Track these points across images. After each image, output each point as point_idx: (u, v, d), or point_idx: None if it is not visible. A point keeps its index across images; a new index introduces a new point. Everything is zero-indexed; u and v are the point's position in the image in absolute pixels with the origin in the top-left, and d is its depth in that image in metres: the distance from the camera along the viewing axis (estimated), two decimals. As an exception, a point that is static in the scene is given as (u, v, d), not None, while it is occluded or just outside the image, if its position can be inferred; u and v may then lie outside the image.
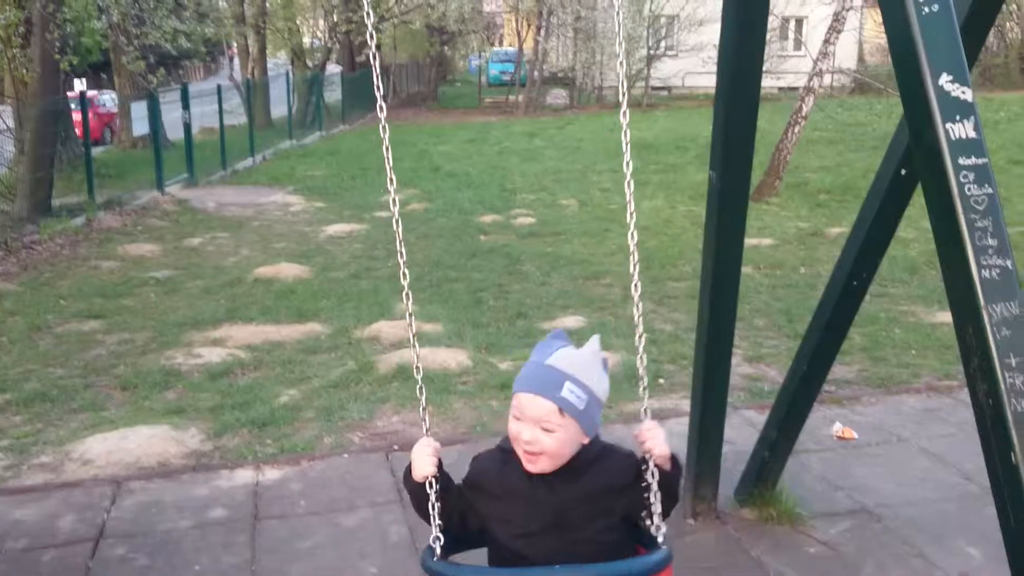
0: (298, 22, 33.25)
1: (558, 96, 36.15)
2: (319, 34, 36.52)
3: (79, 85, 25.33)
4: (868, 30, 34.50)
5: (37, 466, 4.89)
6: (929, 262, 8.97)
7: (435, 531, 2.09)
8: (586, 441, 2.05)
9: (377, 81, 2.30)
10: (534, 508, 2.04)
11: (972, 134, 2.17)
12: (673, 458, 2.10)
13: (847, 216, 10.41)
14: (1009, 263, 2.13)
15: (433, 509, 2.10)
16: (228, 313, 7.99)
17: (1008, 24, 34.34)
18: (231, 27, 26.52)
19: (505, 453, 2.12)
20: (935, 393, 5.70)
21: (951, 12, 2.21)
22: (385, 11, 30.18)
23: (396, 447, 4.99)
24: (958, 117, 2.17)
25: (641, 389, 2.23)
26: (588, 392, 2.04)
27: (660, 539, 2.05)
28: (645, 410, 2.19)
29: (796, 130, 14.03)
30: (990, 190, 2.15)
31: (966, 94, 2.18)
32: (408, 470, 2.15)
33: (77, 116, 14.71)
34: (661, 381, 6.07)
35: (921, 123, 2.23)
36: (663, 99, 34.74)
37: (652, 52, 33.94)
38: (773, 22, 29.46)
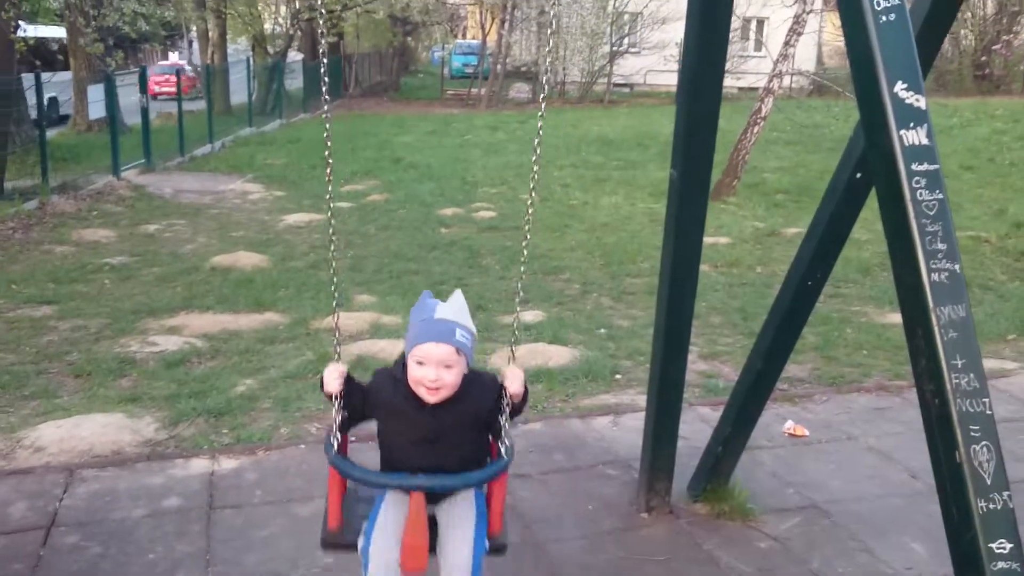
0: (260, 8, 32.89)
1: (521, 90, 36.14)
2: (281, 21, 36.14)
3: (173, 56, 26.88)
4: (828, 33, 34.99)
5: (-13, 453, 4.82)
6: (882, 264, 9.15)
7: (336, 432, 2.69)
8: (466, 371, 2.61)
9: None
10: (415, 427, 2.63)
11: (925, 141, 2.23)
12: (525, 393, 2.67)
13: (803, 216, 10.57)
14: (957, 267, 2.20)
15: (337, 415, 2.70)
16: (185, 301, 7.92)
17: (962, 31, 34.95)
18: (191, 11, 26.16)
19: (396, 380, 2.66)
20: (885, 392, 5.83)
21: (907, 22, 2.27)
22: (348, 0, 29.97)
23: (353, 438, 4.97)
24: (912, 124, 2.23)
25: (514, 331, 2.87)
26: (470, 332, 2.61)
27: (503, 450, 2.65)
28: (511, 357, 2.75)
29: (755, 130, 14.19)
30: (941, 195, 2.22)
31: (920, 102, 2.25)
32: (321, 382, 2.71)
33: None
34: (618, 377, 6.13)
35: (876, 129, 2.29)
36: (625, 96, 34.91)
37: (615, 48, 34.09)
38: (735, 23, 29.77)
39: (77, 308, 7.74)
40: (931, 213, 2.20)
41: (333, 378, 2.67)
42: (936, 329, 2.17)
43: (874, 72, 2.26)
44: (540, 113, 2.84)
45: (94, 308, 7.74)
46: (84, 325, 7.24)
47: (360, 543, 2.70)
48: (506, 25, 33.50)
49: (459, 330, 2.56)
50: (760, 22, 33.88)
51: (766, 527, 4.11)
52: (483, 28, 38.70)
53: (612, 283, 8.81)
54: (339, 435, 2.69)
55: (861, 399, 5.75)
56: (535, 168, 2.84)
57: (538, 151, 2.78)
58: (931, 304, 2.17)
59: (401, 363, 2.66)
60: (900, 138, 2.23)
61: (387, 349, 6.38)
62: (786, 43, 14.10)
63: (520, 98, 34.98)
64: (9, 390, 5.79)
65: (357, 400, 2.72)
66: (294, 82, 29.89)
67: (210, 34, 30.07)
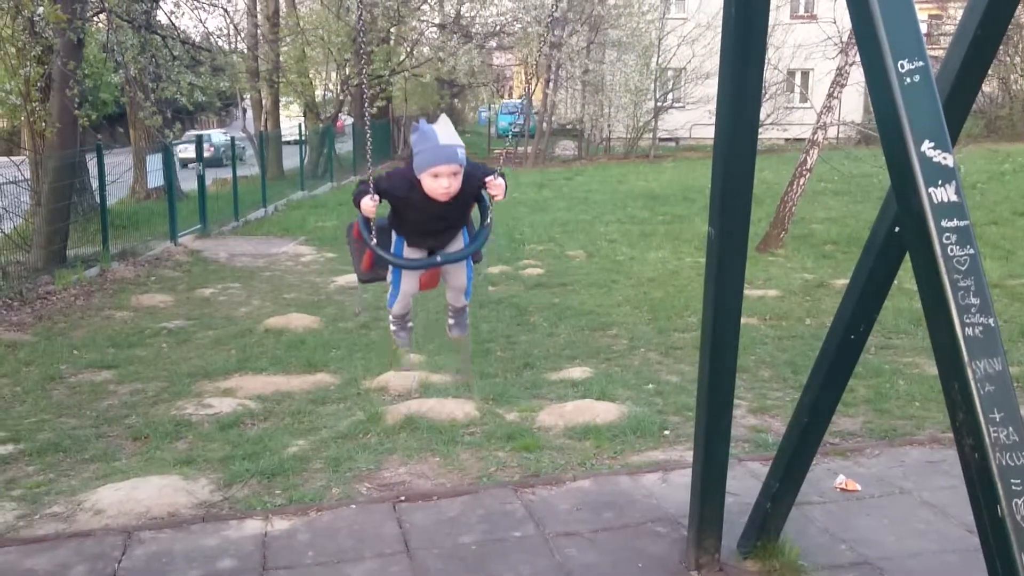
0: (311, 75, 33.79)
1: (566, 147, 36.50)
2: (331, 87, 37.07)
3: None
4: (873, 82, 34.77)
5: (49, 516, 4.96)
6: (934, 313, 9.01)
7: (373, 233, 3.51)
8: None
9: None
10: (427, 214, 3.50)
11: (954, 197, 2.27)
12: (504, 191, 3.49)
13: (852, 267, 10.46)
14: (991, 321, 2.21)
15: (372, 227, 3.51)
16: (239, 363, 8.09)
17: (1013, 76, 34.63)
18: (245, 81, 26.97)
19: (411, 183, 3.42)
20: (938, 445, 5.73)
21: (932, 82, 2.32)
22: (396, 65, 30.68)
23: (403, 498, 5.04)
24: (940, 182, 2.27)
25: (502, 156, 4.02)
26: (463, 148, 3.39)
27: (488, 220, 3.62)
28: (500, 172, 3.50)
29: (801, 182, 14.17)
30: (972, 251, 2.24)
31: (947, 159, 2.29)
32: (358, 198, 3.44)
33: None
34: (666, 433, 6.11)
35: (906, 187, 2.33)
36: (670, 150, 35.08)
37: (659, 104, 34.35)
38: (779, 75, 29.91)
39: (136, 372, 7.95)
40: (963, 268, 2.23)
41: (370, 208, 3.42)
42: (972, 383, 2.18)
43: (901, 132, 2.31)
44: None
45: (152, 372, 7.94)
46: (142, 389, 7.44)
47: (389, 276, 3.79)
48: (551, 84, 33.95)
49: (459, 150, 3.36)
50: (805, 74, 33.97)
51: (818, 584, 4.06)
52: (528, 88, 39.24)
53: (660, 338, 8.82)
54: (373, 233, 3.51)
55: (914, 452, 5.66)
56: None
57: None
58: (966, 359, 2.19)
59: (410, 169, 3.41)
60: (929, 196, 2.27)
61: (435, 408, 6.46)
62: (830, 95, 14.13)
63: (566, 155, 35.31)
64: (71, 454, 5.95)
65: (380, 195, 3.46)
66: (344, 146, 30.54)
67: (263, 102, 30.95)
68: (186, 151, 25.96)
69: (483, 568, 4.26)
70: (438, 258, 3.65)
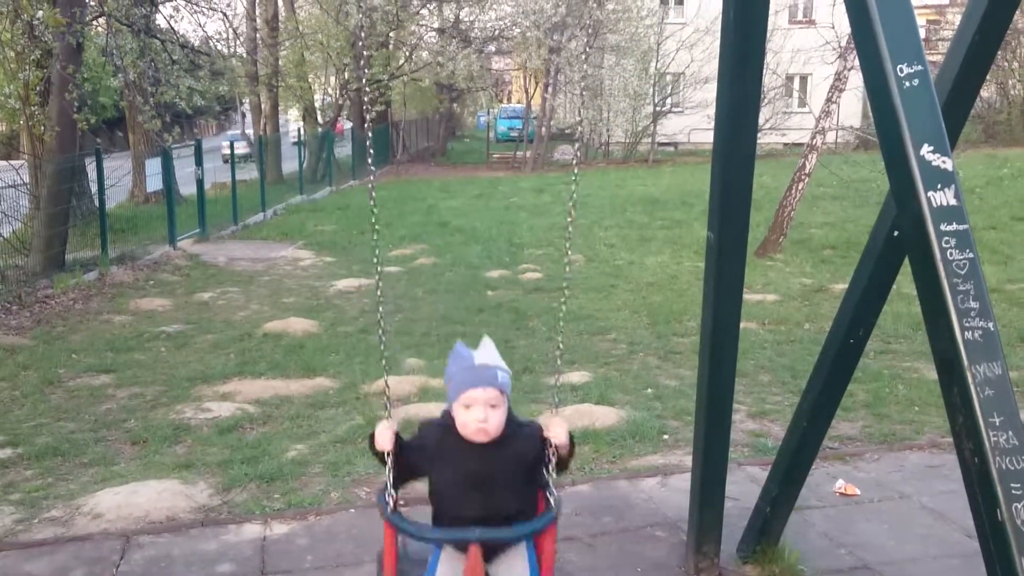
0: (310, 80, 33.81)
1: (565, 152, 36.53)
2: (330, 91, 37.09)
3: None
4: (872, 87, 34.79)
5: (48, 520, 4.95)
6: (933, 318, 9.01)
7: (390, 489, 2.72)
8: (509, 414, 2.74)
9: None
10: (466, 469, 2.70)
11: (953, 201, 2.27)
12: (571, 446, 2.74)
13: (851, 272, 10.45)
14: (991, 325, 2.21)
15: (389, 475, 2.74)
16: (237, 368, 8.08)
17: (1011, 81, 34.68)
18: (244, 85, 26.98)
19: (444, 428, 2.77)
20: (938, 450, 5.73)
21: (931, 86, 2.33)
22: (395, 69, 30.70)
23: (402, 502, 5.02)
24: (939, 185, 2.28)
25: (555, 385, 3.22)
26: (508, 374, 2.76)
27: (551, 500, 2.71)
28: (554, 407, 3.04)
29: (800, 187, 14.18)
30: (971, 255, 2.25)
31: (947, 163, 2.29)
32: (371, 439, 2.79)
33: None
34: (666, 437, 6.11)
35: (905, 191, 2.34)
36: (669, 155, 35.10)
37: (658, 109, 34.38)
38: (777, 80, 29.96)
39: (134, 376, 7.94)
40: (962, 272, 2.23)
41: (385, 435, 2.74)
42: (972, 387, 2.18)
43: (900, 136, 2.31)
44: (575, 178, 3.02)
45: (150, 376, 7.93)
46: (141, 393, 7.43)
47: None
48: (550, 89, 33.98)
49: (500, 372, 2.70)
50: (803, 78, 34.02)
51: (817, 589, 4.05)
52: (527, 92, 39.29)
53: (659, 342, 8.81)
54: (393, 492, 2.72)
55: (913, 457, 5.66)
56: (569, 231, 2.91)
57: (573, 214, 2.96)
58: (966, 362, 2.19)
59: (446, 414, 2.79)
60: (928, 199, 2.27)
61: (435, 412, 6.43)
62: (828, 99, 14.15)
63: (565, 160, 35.33)
64: (69, 458, 5.94)
65: (407, 454, 2.78)
66: (343, 150, 30.56)
67: (262, 106, 30.96)
68: (240, 148, 26.65)
69: (482, 572, 4.25)
70: (476, 531, 2.60)
